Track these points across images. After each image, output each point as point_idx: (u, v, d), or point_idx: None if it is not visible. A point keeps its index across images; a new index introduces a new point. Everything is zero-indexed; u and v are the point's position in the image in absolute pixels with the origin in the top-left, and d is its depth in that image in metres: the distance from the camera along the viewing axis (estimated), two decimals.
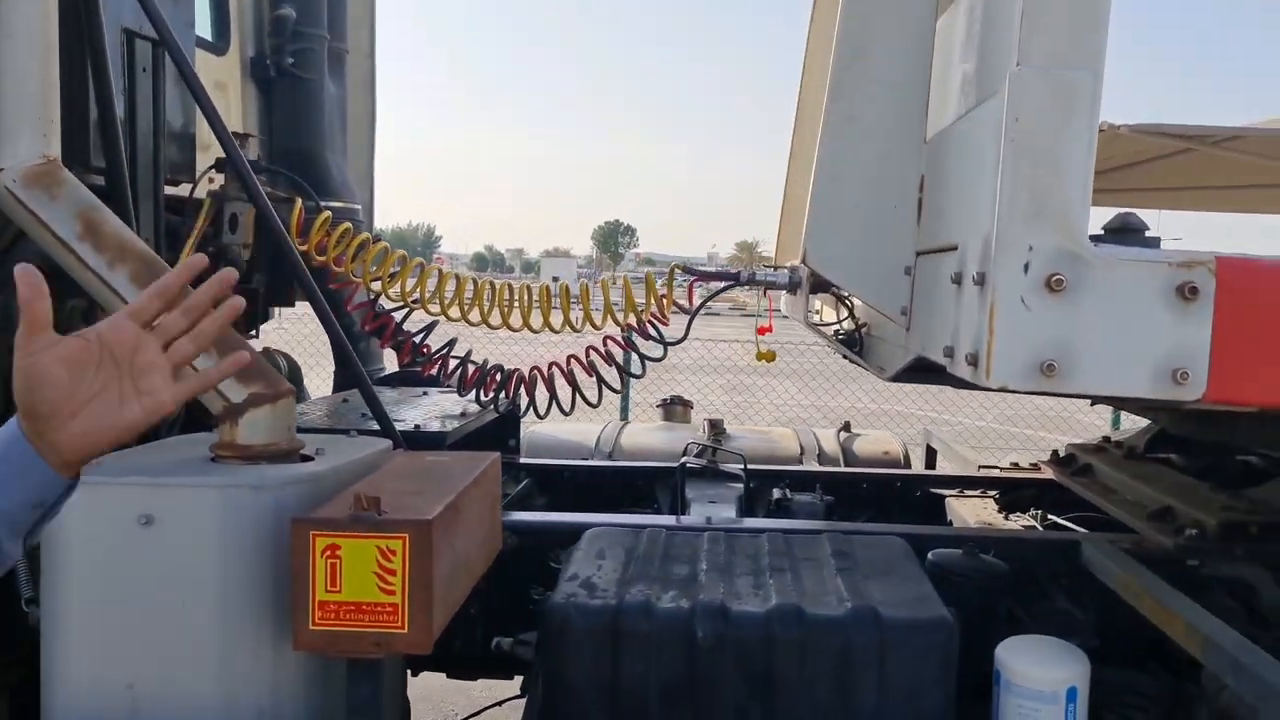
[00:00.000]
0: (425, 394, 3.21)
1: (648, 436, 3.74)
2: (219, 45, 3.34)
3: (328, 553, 1.61)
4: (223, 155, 2.75)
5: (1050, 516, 3.06)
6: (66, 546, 1.75)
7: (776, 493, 3.03)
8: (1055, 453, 3.37)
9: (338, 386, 3.57)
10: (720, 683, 1.82)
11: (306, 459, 1.95)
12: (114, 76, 2.36)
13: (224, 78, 3.34)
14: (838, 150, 2.18)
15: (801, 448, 3.66)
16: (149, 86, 2.54)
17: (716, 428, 3.62)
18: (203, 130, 2.83)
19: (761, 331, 3.15)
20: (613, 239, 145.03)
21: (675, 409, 4.21)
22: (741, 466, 2.89)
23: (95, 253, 1.85)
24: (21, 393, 1.31)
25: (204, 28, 3.32)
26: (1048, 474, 3.30)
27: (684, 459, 2.93)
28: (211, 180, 2.87)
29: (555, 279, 3.33)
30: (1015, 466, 3.56)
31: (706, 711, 1.82)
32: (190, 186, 2.80)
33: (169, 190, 2.68)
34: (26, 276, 1.26)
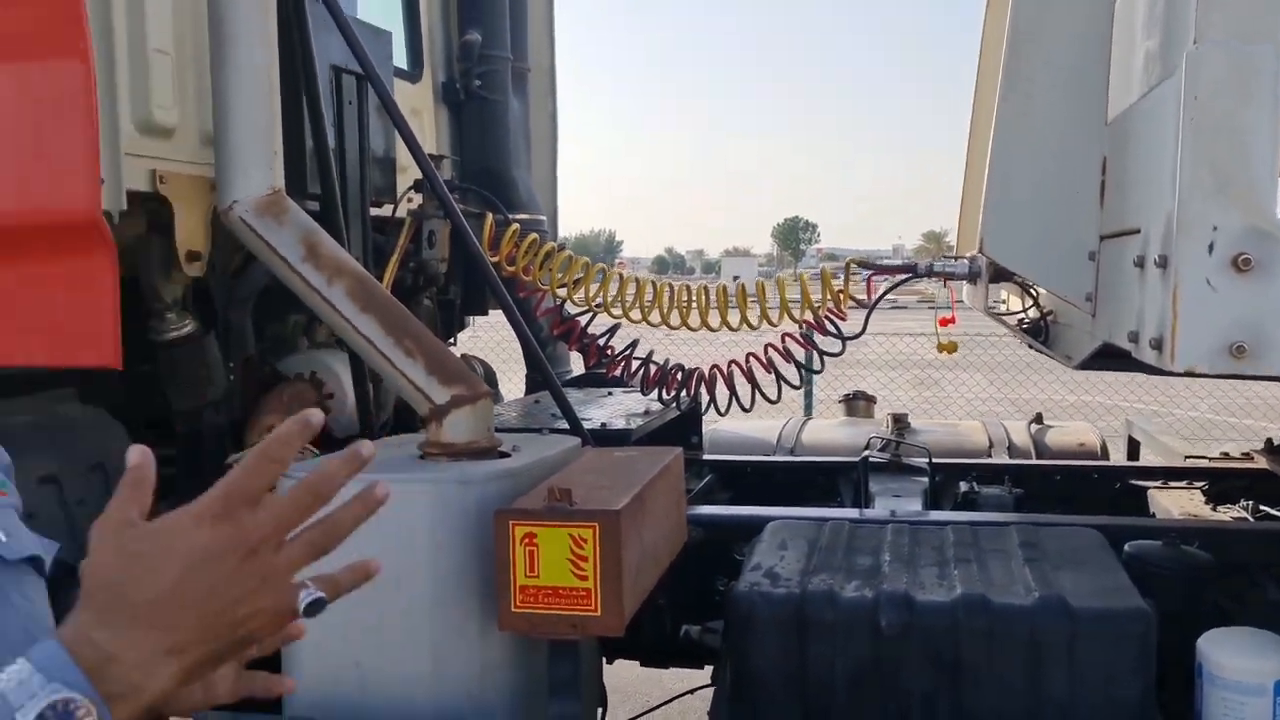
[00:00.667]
0: (610, 394, 3.34)
1: (830, 432, 3.76)
2: (414, 74, 3.57)
3: (526, 541, 1.73)
4: (420, 177, 2.96)
5: (1263, 508, 2.91)
6: None
7: (963, 486, 3.00)
8: (1269, 441, 3.19)
9: (530, 389, 3.75)
10: (907, 671, 1.85)
11: (504, 455, 2.09)
12: (325, 110, 2.59)
13: (419, 104, 3.57)
14: (1014, 136, 2.16)
15: (990, 441, 3.60)
16: (355, 117, 2.76)
17: (900, 422, 3.60)
18: (401, 154, 3.06)
19: (944, 323, 3.12)
20: (793, 236, 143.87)
21: (858, 404, 4.20)
22: (926, 460, 2.88)
23: (316, 272, 2.05)
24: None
25: (400, 58, 3.56)
26: (1261, 464, 3.14)
27: (865, 453, 2.95)
28: (411, 200, 3.08)
29: (735, 278, 3.38)
30: (1225, 456, 3.39)
31: (893, 699, 1.85)
32: (392, 207, 3.02)
33: (373, 211, 2.90)
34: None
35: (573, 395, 3.45)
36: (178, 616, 0.80)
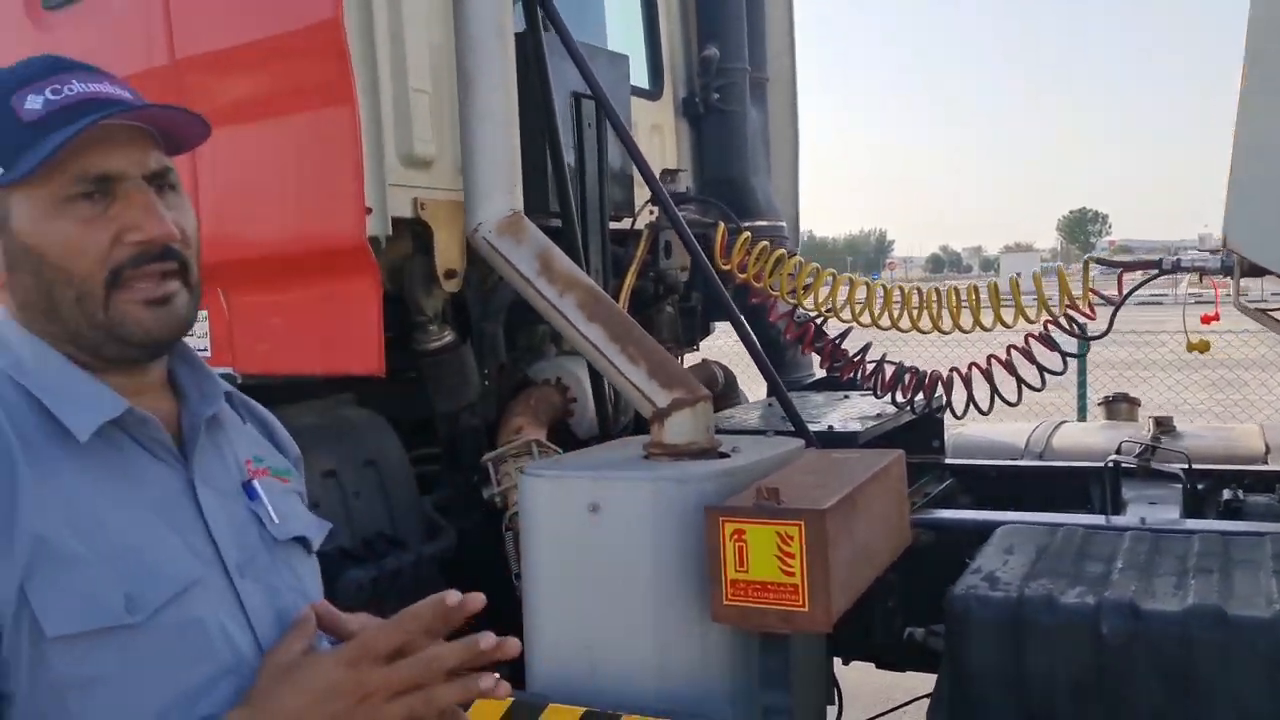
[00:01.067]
0: (846, 397, 3.36)
1: (1085, 436, 3.59)
2: (654, 91, 3.74)
3: (735, 537, 1.82)
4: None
5: None
6: (535, 529, 2.13)
7: (1227, 494, 2.80)
8: None
9: (771, 392, 3.83)
10: (1133, 681, 1.78)
11: (724, 456, 2.18)
12: (564, 133, 2.79)
13: (660, 120, 3.74)
14: (1260, 122, 2.03)
15: (1267, 446, 3.31)
16: (594, 139, 2.94)
17: (1163, 425, 3.39)
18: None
19: (1205, 320, 2.93)
20: (1080, 228, 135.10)
21: (1119, 407, 3.97)
22: (1181, 466, 2.72)
23: (549, 285, 2.23)
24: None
25: (642, 78, 3.75)
26: None
27: (1113, 458, 2.81)
28: (652, 213, 3.24)
29: (1018, 275, 3.31)
30: None
31: (1118, 710, 1.79)
32: (631, 221, 3.18)
33: (613, 225, 3.08)
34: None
35: (812, 399, 3.49)
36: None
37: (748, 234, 3.03)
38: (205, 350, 2.37)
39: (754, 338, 2.62)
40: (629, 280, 3.04)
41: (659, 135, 3.73)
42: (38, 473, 1.02)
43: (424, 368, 2.73)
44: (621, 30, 3.75)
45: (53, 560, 0.99)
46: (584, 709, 1.96)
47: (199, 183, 2.29)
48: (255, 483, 1.21)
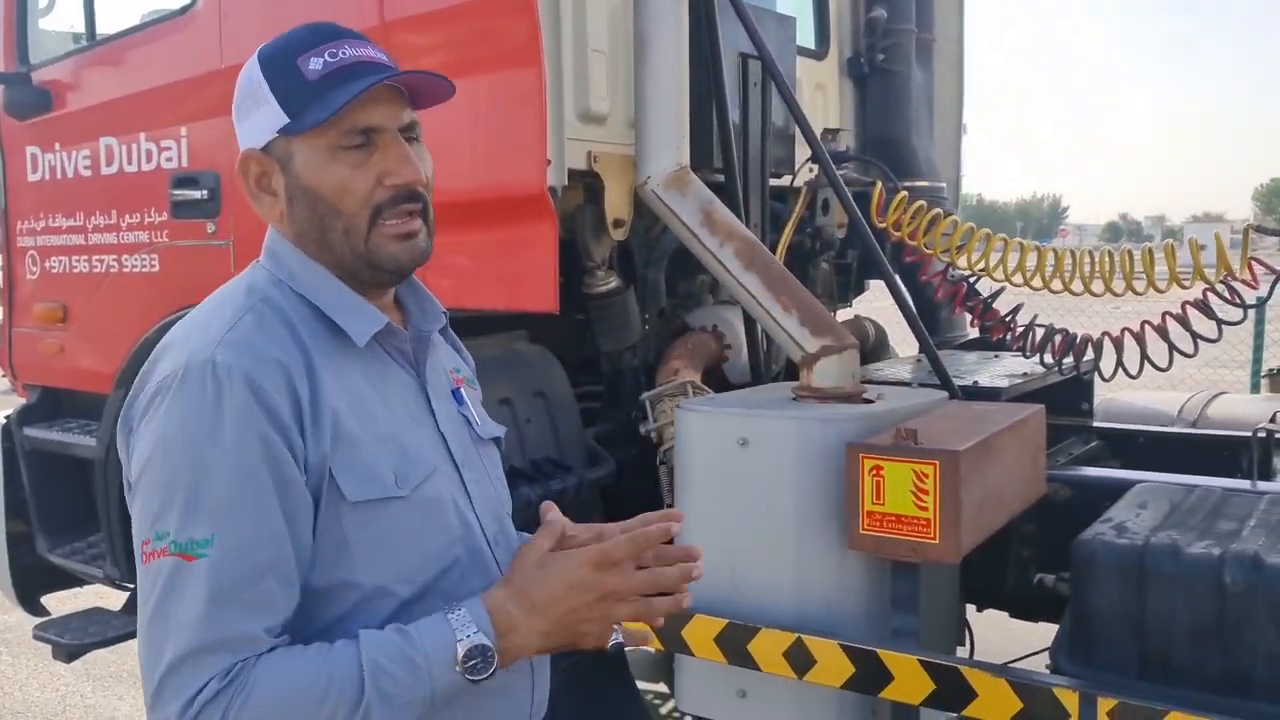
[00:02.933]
0: (997, 357, 3.42)
1: (1242, 407, 3.54)
2: (819, 51, 3.83)
3: (874, 472, 1.97)
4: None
5: None
6: (688, 460, 2.33)
7: None
8: None
9: (921, 349, 3.92)
10: (1253, 631, 1.86)
11: (868, 402, 2.33)
12: (731, 92, 2.94)
13: (824, 79, 3.84)
14: None
15: None
16: (759, 99, 3.09)
17: None
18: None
19: None
20: (1279, 198, 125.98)
21: None
22: None
23: (710, 236, 2.40)
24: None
25: (808, 38, 3.85)
26: None
27: (1264, 426, 2.81)
28: (812, 171, 3.36)
29: (1203, 248, 3.29)
30: None
31: (1237, 656, 1.87)
32: (791, 178, 3.31)
33: (774, 182, 3.22)
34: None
35: (964, 357, 3.57)
36: (551, 614, 1.23)
37: (904, 193, 3.12)
38: None
39: (905, 294, 2.73)
40: (786, 234, 3.17)
41: (822, 94, 3.83)
42: (331, 371, 1.24)
43: (590, 309, 2.96)
44: None
45: (347, 441, 1.22)
46: (727, 620, 2.16)
47: None
48: (460, 390, 1.44)
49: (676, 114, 2.47)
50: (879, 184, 3.14)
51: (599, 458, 2.87)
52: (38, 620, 3.59)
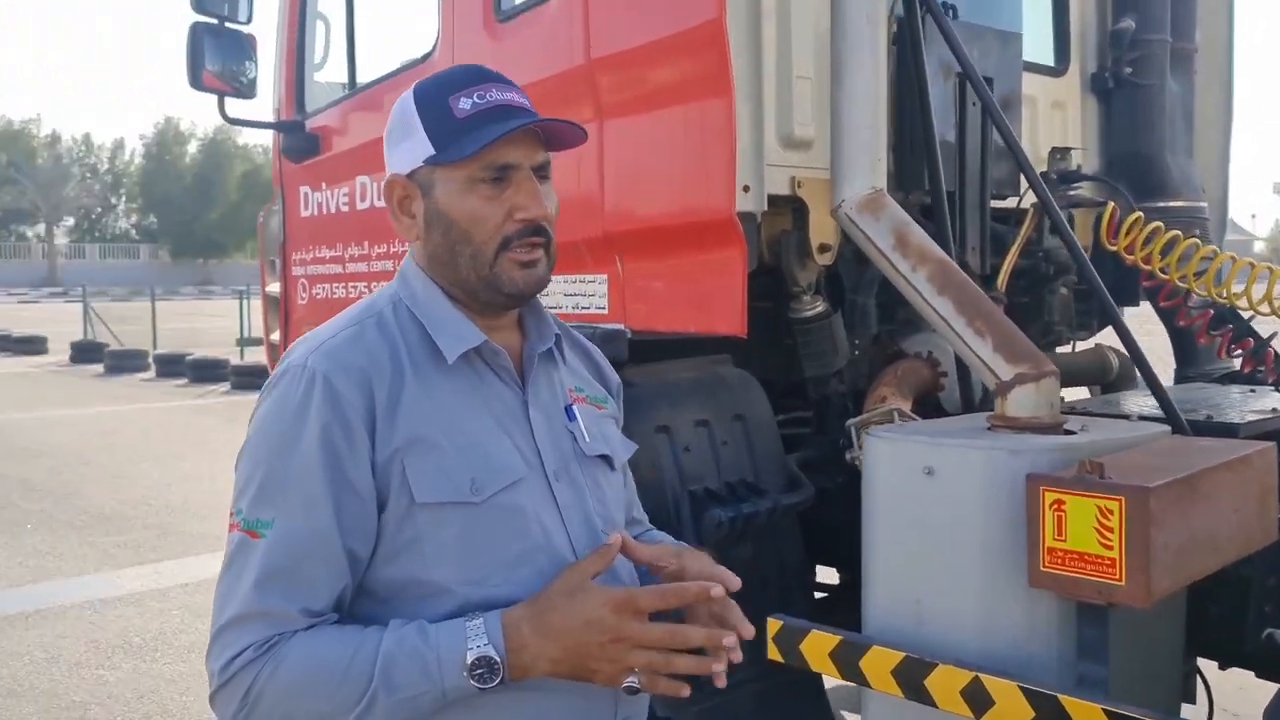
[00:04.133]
0: (1253, 391, 3.11)
1: None
2: (1058, 67, 3.65)
3: (1055, 506, 1.86)
4: (1045, 170, 3.09)
5: None
6: (873, 488, 2.28)
7: None
8: None
9: (1177, 381, 3.63)
10: None
11: (1069, 433, 2.19)
12: (948, 111, 2.87)
13: (1063, 96, 3.65)
14: None
15: None
16: (977, 117, 2.99)
17: None
18: (1033, 147, 3.21)
19: None
20: None
21: None
22: None
23: (903, 259, 2.35)
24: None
25: (1045, 55, 3.68)
26: None
27: None
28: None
29: None
30: None
31: None
32: (1017, 200, 3.17)
33: (999, 204, 3.09)
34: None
35: (1220, 391, 3.27)
36: (563, 643, 1.28)
37: (1139, 214, 2.92)
38: (604, 309, 2.76)
39: (1123, 322, 2.55)
40: (1010, 258, 3.04)
41: (1061, 112, 3.65)
42: (420, 381, 1.37)
43: (795, 334, 2.95)
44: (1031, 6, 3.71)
45: (423, 446, 1.32)
46: (904, 654, 2.10)
47: (605, 164, 2.68)
48: (574, 407, 1.52)
49: (872, 137, 2.44)
50: (1111, 204, 2.96)
51: (798, 483, 2.86)
52: None
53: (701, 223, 2.46)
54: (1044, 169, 3.15)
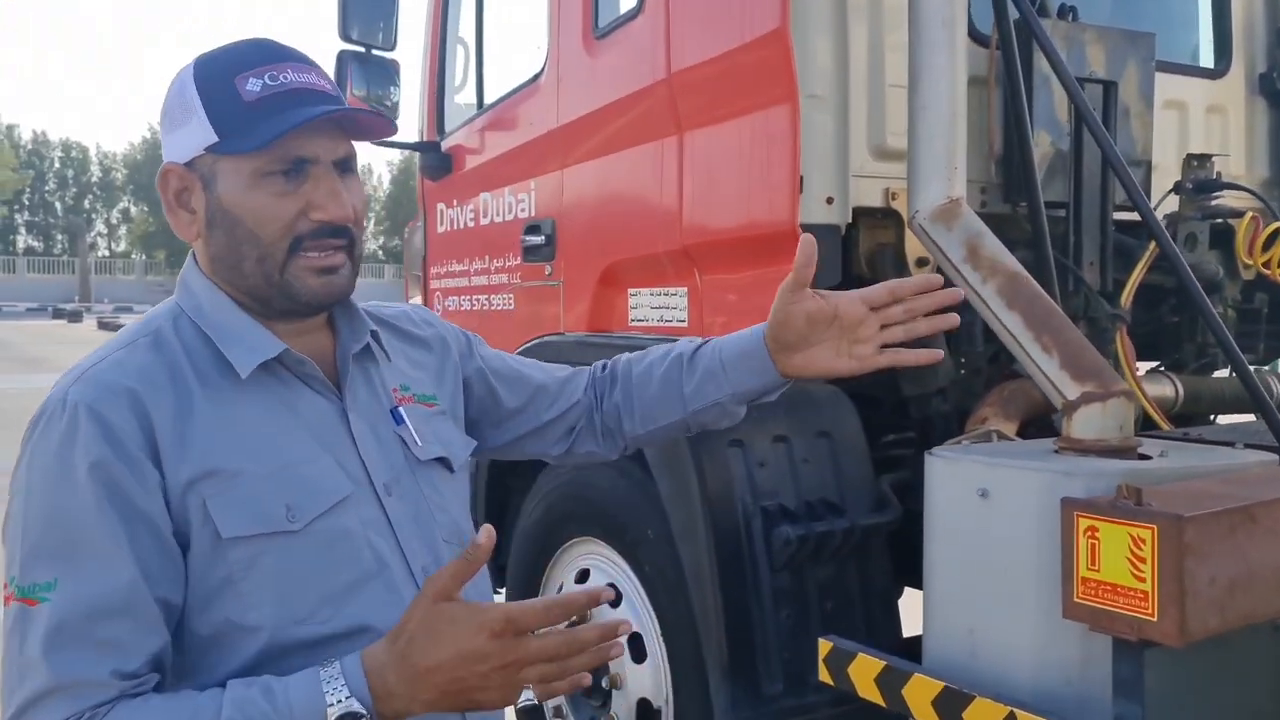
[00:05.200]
0: None
1: None
2: (1217, 69, 3.37)
3: (1089, 534, 1.74)
4: (1179, 179, 2.87)
5: None
6: (931, 509, 2.18)
7: None
8: None
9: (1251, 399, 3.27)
10: None
11: (1144, 458, 2.03)
12: (1064, 119, 2.73)
13: (1223, 100, 3.36)
14: None
15: None
16: (1098, 124, 2.81)
17: None
18: (1159, 154, 2.99)
19: None
20: None
21: None
22: None
23: (973, 271, 2.24)
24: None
25: (1202, 55, 3.42)
26: None
27: None
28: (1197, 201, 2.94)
29: None
30: None
31: None
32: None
33: (1124, 216, 2.89)
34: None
35: None
36: (436, 682, 1.10)
37: (1276, 225, 2.68)
38: (684, 322, 2.77)
39: (1230, 341, 2.32)
40: (1136, 273, 2.83)
41: (1220, 117, 3.37)
42: (212, 401, 1.20)
43: None
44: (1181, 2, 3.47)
45: (224, 474, 1.16)
46: (944, 684, 1.99)
47: (684, 177, 2.71)
48: (401, 409, 1.36)
49: (947, 145, 2.34)
50: (1248, 215, 2.73)
51: (885, 504, 2.76)
52: None
53: (765, 235, 2.44)
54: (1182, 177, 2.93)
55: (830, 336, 1.60)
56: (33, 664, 1.09)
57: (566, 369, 1.75)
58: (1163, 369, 3.33)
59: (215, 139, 1.21)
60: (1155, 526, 1.63)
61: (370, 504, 1.27)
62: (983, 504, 2.06)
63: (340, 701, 1.08)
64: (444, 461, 1.41)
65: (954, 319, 1.60)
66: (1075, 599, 1.76)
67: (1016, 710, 1.86)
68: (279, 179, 1.22)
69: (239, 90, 1.20)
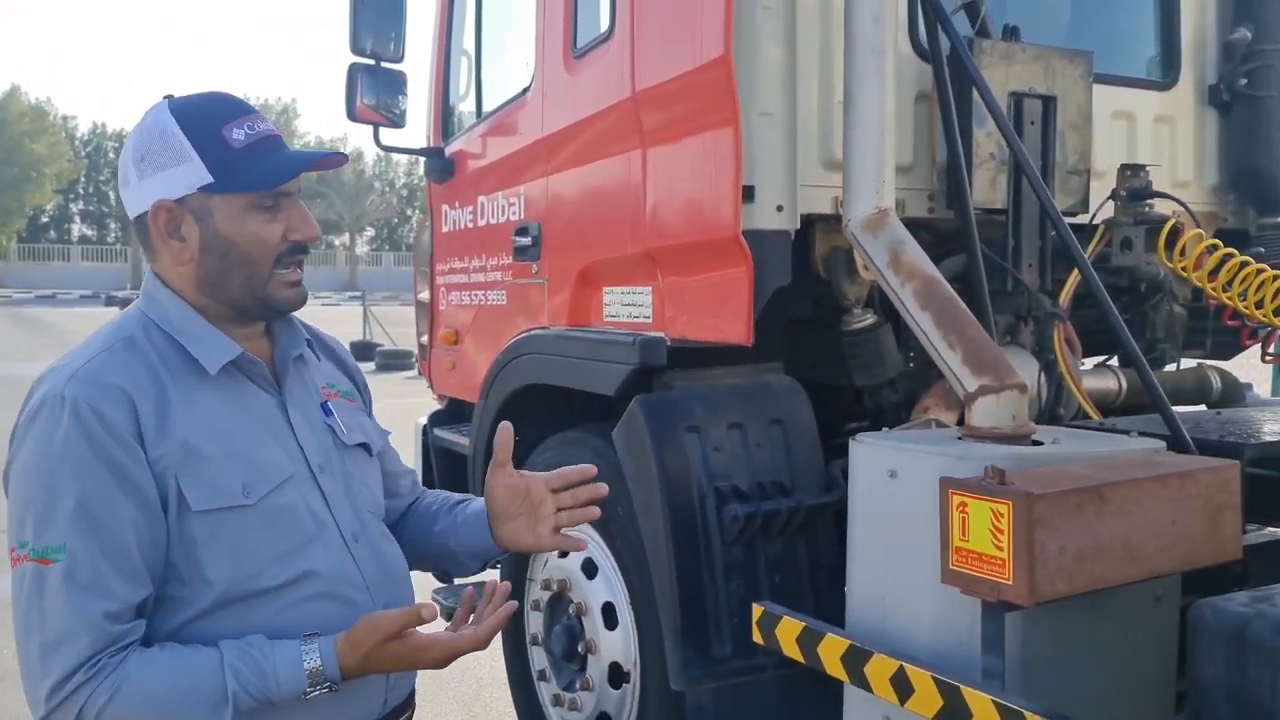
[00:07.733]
0: None
1: None
2: (1165, 81, 3.57)
3: (961, 508, 1.99)
4: (1117, 186, 3.09)
5: None
6: (852, 490, 2.44)
7: None
8: None
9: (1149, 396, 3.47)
10: None
11: (1036, 444, 2.27)
12: (1006, 131, 2.96)
13: (1171, 110, 3.55)
14: None
15: None
16: (1037, 136, 3.04)
17: None
18: (1098, 162, 3.21)
19: None
20: None
21: None
22: None
23: (894, 275, 2.49)
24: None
25: (1149, 68, 3.62)
26: None
27: None
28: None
29: None
30: None
31: None
32: (1089, 217, 3.17)
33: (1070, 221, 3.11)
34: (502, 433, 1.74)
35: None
36: (387, 668, 1.51)
37: (1198, 232, 2.90)
38: (649, 318, 3.05)
39: (1127, 335, 2.55)
40: (1073, 275, 3.05)
41: (1169, 127, 3.56)
42: (183, 395, 1.45)
43: (845, 345, 3.11)
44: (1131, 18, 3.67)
45: (195, 457, 1.41)
46: (850, 641, 2.26)
47: (647, 187, 2.98)
48: (330, 403, 1.65)
49: (877, 160, 2.59)
50: (1171, 221, 2.95)
51: (833, 486, 3.01)
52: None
53: (713, 240, 2.70)
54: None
55: (524, 511, 1.80)
56: (53, 611, 1.33)
57: (414, 473, 2.01)
58: (1110, 364, 3.54)
59: (210, 179, 1.46)
60: (1011, 502, 1.88)
61: (308, 482, 1.54)
62: (892, 483, 2.32)
63: (317, 671, 1.43)
64: (365, 447, 1.71)
65: (595, 512, 1.87)
66: (950, 566, 2.02)
67: (905, 664, 2.12)
68: (264, 210, 1.50)
69: (227, 139, 1.46)
